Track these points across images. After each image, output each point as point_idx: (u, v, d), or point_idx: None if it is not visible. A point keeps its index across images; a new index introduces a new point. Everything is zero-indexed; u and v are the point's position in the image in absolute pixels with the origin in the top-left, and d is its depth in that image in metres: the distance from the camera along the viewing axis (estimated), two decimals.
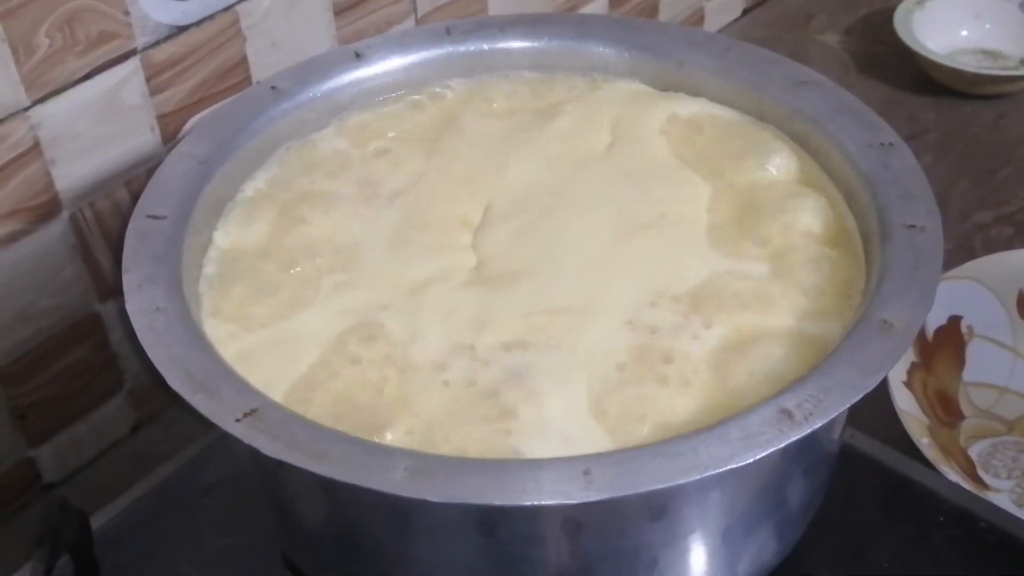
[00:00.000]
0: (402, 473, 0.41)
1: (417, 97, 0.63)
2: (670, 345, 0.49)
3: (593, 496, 0.41)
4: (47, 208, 0.65)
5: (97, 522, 0.60)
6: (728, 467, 0.41)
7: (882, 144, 0.55)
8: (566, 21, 0.66)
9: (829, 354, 0.46)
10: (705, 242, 0.54)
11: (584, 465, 0.42)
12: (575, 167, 0.59)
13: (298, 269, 0.54)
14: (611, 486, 0.41)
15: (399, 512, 0.46)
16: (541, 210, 0.57)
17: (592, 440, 0.46)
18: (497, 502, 0.41)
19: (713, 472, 0.41)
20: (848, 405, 0.43)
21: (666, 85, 0.62)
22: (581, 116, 0.61)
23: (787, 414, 0.43)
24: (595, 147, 0.60)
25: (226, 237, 0.56)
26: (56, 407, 0.70)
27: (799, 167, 0.57)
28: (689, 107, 0.61)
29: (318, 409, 0.48)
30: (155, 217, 0.53)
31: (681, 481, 0.41)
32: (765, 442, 0.42)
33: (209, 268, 0.54)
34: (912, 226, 0.50)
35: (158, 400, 0.75)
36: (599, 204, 0.57)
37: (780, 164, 0.57)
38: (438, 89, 0.63)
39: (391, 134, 0.61)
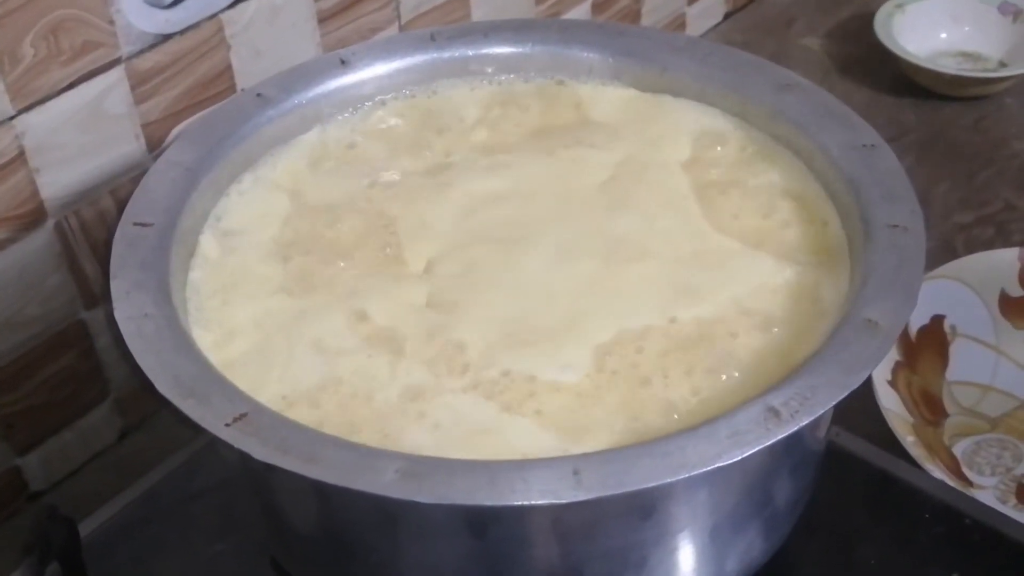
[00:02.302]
0: (392, 475, 0.42)
1: (400, 106, 0.63)
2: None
3: (582, 496, 0.41)
4: (32, 217, 0.65)
5: (85, 529, 0.60)
6: (716, 465, 0.42)
7: (864, 146, 0.55)
8: (549, 27, 0.66)
9: (814, 353, 0.46)
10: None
11: (573, 465, 0.42)
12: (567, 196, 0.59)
13: (282, 278, 0.55)
14: (600, 485, 0.41)
15: (389, 514, 0.46)
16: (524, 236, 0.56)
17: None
18: (487, 502, 0.41)
19: (701, 471, 0.42)
20: (834, 403, 0.44)
21: (650, 90, 0.63)
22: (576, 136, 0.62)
23: (774, 412, 0.43)
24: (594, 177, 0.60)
25: (211, 244, 0.56)
26: (42, 415, 0.70)
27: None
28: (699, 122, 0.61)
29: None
30: (142, 224, 0.53)
31: (669, 480, 0.41)
32: (752, 440, 0.42)
33: (195, 274, 0.55)
34: (895, 226, 0.51)
35: (145, 407, 0.75)
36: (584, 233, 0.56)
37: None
38: (424, 97, 0.63)
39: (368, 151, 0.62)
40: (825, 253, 0.54)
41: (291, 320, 0.52)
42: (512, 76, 0.64)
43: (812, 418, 0.43)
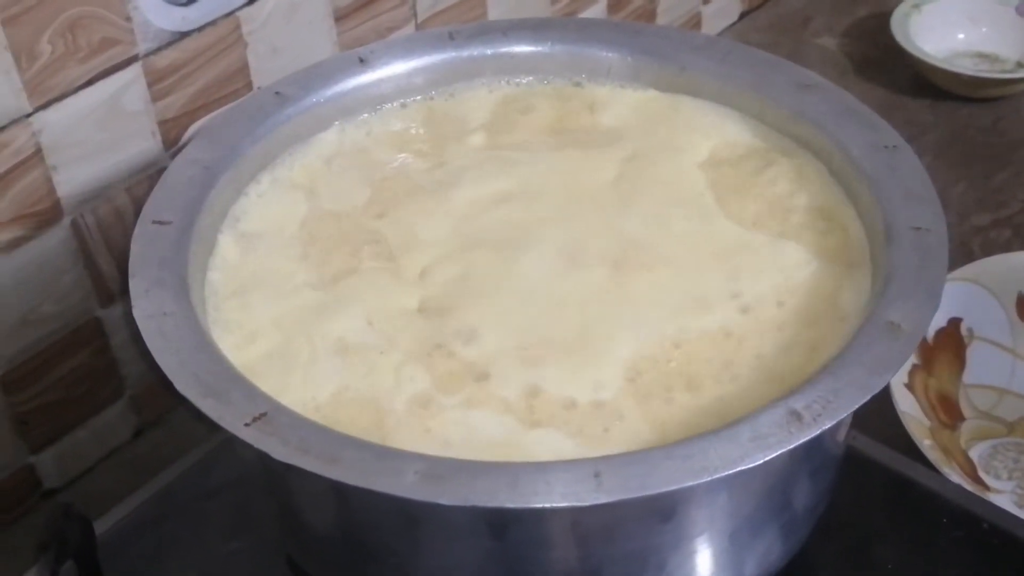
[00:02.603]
0: (413, 476, 0.41)
1: (418, 106, 0.63)
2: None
3: (603, 498, 0.41)
4: (49, 214, 0.65)
5: (101, 527, 0.60)
6: (738, 468, 0.41)
7: (886, 146, 0.55)
8: (567, 25, 0.66)
9: (837, 355, 0.46)
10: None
11: (594, 468, 0.42)
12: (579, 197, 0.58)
13: (301, 280, 0.54)
14: (622, 488, 0.41)
15: (408, 515, 0.46)
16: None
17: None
18: (509, 505, 0.41)
19: (723, 474, 0.41)
20: (856, 406, 0.44)
21: (669, 89, 0.62)
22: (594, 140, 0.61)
23: (796, 415, 0.43)
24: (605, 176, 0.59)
25: (230, 245, 0.56)
26: (57, 413, 0.70)
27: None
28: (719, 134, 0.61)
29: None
30: (161, 223, 0.53)
31: (691, 483, 0.41)
32: (775, 443, 0.42)
33: (213, 275, 0.54)
34: (918, 228, 0.50)
35: (160, 405, 0.75)
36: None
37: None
38: (442, 99, 0.63)
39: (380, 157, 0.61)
40: (846, 257, 0.53)
41: (311, 323, 0.52)
42: (531, 78, 0.64)
43: (835, 421, 0.43)
